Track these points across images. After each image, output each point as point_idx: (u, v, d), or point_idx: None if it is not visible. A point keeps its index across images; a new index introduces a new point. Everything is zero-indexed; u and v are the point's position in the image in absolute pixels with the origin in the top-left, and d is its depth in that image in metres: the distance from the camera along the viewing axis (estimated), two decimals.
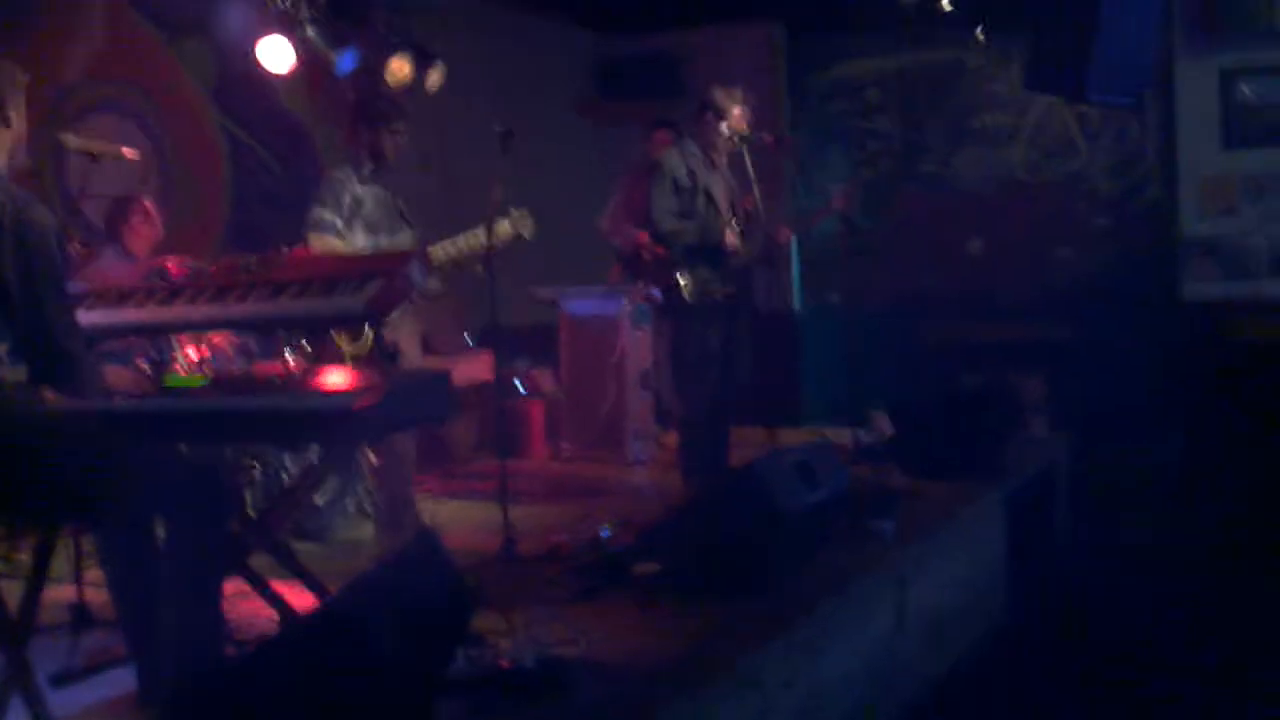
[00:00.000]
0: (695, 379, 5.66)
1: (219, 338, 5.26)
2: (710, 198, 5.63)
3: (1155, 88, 8.06)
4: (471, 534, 5.22)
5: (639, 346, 7.54)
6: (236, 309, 3.48)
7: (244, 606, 3.82)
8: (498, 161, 4.91)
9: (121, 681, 3.30)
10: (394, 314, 3.89)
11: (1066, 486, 6.81)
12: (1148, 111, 8.48)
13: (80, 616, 3.72)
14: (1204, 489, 7.09)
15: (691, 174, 5.64)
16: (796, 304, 9.85)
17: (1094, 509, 6.90)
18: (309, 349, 5.03)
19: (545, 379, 8.06)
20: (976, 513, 5.39)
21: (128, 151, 4.48)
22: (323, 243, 4.95)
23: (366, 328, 4.53)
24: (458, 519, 5.66)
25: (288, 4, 6.66)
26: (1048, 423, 6.98)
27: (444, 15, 7.53)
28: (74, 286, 3.61)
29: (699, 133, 5.77)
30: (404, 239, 5.20)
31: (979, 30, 8.80)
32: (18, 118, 3.08)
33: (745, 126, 5.65)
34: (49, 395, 2.96)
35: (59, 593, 3.86)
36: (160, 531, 3.09)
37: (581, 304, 7.64)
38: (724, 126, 5.60)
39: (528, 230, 5.16)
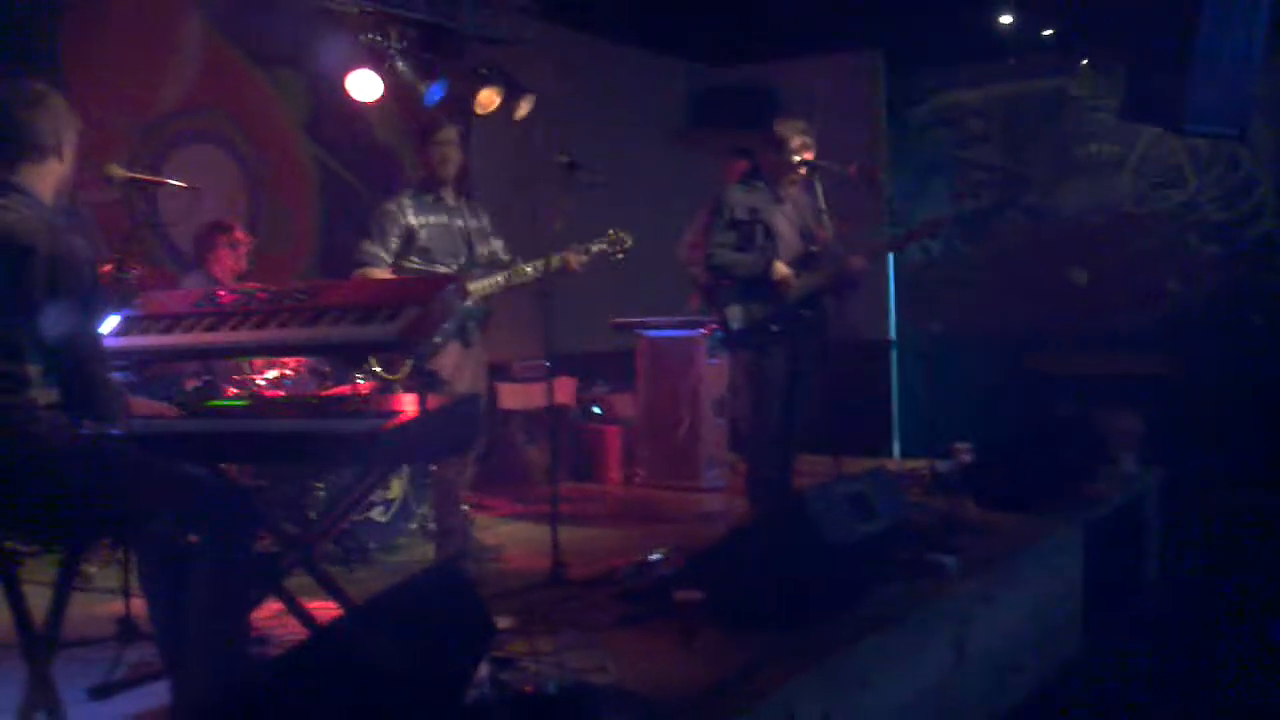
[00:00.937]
0: (758, 407, 5.64)
1: (292, 360, 5.39)
2: (770, 231, 5.61)
3: (1266, 118, 7.81)
4: (528, 555, 5.27)
5: (715, 374, 7.62)
6: (277, 334, 3.51)
7: (291, 625, 3.86)
8: (571, 192, 5.00)
9: (159, 695, 3.33)
10: (433, 341, 3.91)
11: (1158, 524, 6.60)
12: (1260, 142, 8.23)
13: (127, 630, 3.80)
14: None
15: (753, 209, 5.63)
16: (892, 333, 9.82)
17: (1187, 550, 6.67)
18: (379, 372, 5.14)
19: (624, 404, 8.11)
20: (1051, 545, 5.26)
21: (178, 182, 4.62)
22: (368, 276, 5.03)
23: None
24: (518, 540, 5.73)
25: (378, 37, 6.84)
26: (1138, 458, 6.76)
27: (536, 47, 7.63)
28: (129, 311, 3.74)
29: (764, 164, 5.75)
30: (468, 264, 5.24)
31: (1084, 60, 8.65)
32: (70, 154, 3.20)
33: (810, 155, 5.61)
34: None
35: (110, 606, 3.97)
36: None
37: (660, 332, 7.75)
38: (788, 156, 5.57)
39: (580, 263, 5.23)
